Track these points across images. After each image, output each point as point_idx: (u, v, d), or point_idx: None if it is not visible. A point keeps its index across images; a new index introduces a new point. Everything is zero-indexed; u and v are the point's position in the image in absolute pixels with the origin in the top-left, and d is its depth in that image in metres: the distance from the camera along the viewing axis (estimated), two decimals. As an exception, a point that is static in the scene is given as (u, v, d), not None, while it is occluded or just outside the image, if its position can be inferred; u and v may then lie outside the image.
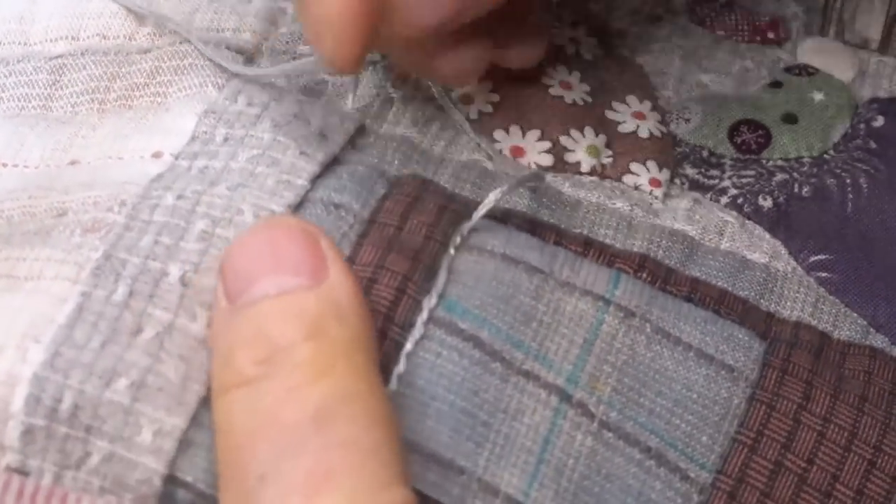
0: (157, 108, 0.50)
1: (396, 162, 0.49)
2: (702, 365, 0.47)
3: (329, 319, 0.39)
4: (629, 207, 0.52)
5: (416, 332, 0.44)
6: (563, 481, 0.45)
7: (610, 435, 0.46)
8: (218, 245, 0.43)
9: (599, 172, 0.53)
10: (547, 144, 0.53)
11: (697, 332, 0.47)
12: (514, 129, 0.53)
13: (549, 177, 0.52)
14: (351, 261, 0.45)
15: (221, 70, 0.50)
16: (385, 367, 0.43)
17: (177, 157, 0.46)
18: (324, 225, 0.45)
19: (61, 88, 0.51)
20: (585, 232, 0.49)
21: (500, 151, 0.52)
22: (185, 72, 0.50)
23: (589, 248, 0.48)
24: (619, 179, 0.53)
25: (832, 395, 0.46)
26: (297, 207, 0.45)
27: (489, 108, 0.54)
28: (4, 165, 0.48)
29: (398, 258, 0.45)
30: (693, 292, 0.48)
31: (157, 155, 0.46)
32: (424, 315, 0.44)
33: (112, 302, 0.41)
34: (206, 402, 0.41)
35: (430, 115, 0.53)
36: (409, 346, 0.44)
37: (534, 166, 0.52)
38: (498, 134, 0.53)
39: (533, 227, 0.48)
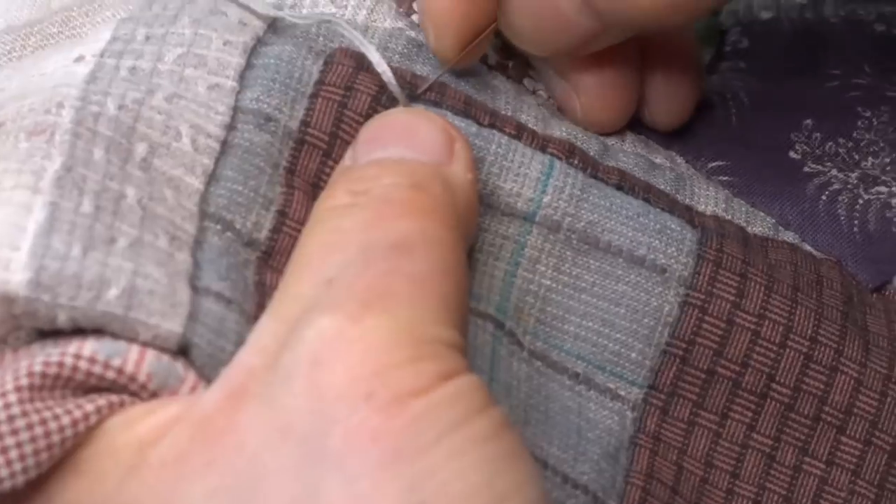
0: (73, 39, 0.49)
1: (321, 38, 0.47)
2: (631, 271, 0.46)
3: (436, 183, 0.41)
4: (538, 105, 0.51)
5: None
6: (513, 399, 0.44)
7: (539, 363, 0.45)
8: (159, 180, 0.42)
9: (503, 71, 0.52)
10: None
11: (629, 230, 0.46)
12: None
13: None
14: (283, 213, 0.44)
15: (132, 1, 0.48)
16: None
17: (101, 56, 0.44)
18: (256, 150, 0.44)
19: None
20: (510, 114, 0.48)
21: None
22: (96, 12, 0.49)
23: (522, 131, 0.47)
24: (520, 81, 0.53)
25: (766, 287, 0.46)
26: (231, 127, 0.44)
27: None
28: None
29: None
30: (623, 181, 0.47)
31: (78, 59, 0.45)
32: None
33: (81, 213, 0.40)
34: (195, 295, 0.41)
35: None
36: None
37: None
38: (417, 5, 0.51)
39: (467, 107, 0.47)
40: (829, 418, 0.46)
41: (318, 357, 0.36)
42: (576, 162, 0.47)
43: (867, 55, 0.60)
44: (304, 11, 0.50)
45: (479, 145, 0.46)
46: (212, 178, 0.43)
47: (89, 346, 0.39)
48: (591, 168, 0.47)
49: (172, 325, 0.40)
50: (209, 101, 0.44)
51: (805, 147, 0.54)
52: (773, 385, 0.46)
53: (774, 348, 0.46)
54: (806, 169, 0.53)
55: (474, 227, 0.43)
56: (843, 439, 0.47)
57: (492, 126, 0.46)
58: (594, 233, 0.46)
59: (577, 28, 0.46)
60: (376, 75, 0.45)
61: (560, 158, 0.46)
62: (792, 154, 0.54)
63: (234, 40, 0.45)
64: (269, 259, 0.43)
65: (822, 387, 0.46)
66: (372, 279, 0.38)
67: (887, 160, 0.54)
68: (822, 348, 0.46)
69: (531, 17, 0.47)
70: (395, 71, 0.46)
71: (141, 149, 0.42)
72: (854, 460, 0.47)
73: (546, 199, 0.46)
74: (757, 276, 0.46)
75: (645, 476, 0.45)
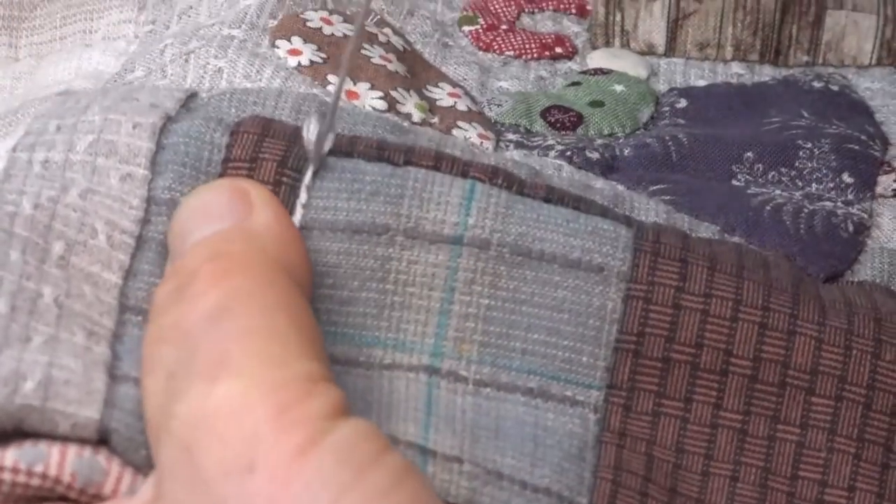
0: None
1: (234, 110, 0.47)
2: (569, 275, 0.44)
3: (234, 242, 0.40)
4: (465, 144, 0.50)
5: None
6: (457, 425, 0.43)
7: (488, 390, 0.44)
8: (76, 276, 0.42)
9: (430, 125, 0.52)
10: (379, 93, 0.53)
11: (560, 236, 0.45)
12: (346, 78, 0.53)
13: (387, 116, 0.51)
14: None
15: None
16: None
17: (14, 150, 0.45)
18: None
19: None
20: (434, 147, 0.47)
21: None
22: (19, 122, 0.51)
23: (441, 160, 0.46)
24: (448, 132, 0.53)
25: (709, 269, 0.45)
26: (145, 221, 0.44)
27: (319, 60, 0.53)
28: None
29: None
30: (550, 194, 0.46)
31: None
32: None
33: None
34: (112, 383, 0.41)
35: (261, 65, 0.52)
36: None
37: (369, 108, 0.51)
38: (331, 78, 0.52)
39: (380, 151, 0.45)
40: (795, 382, 0.44)
41: (188, 443, 0.36)
42: (499, 181, 0.45)
43: (805, 105, 0.60)
44: (223, 85, 0.51)
45: (396, 184, 0.45)
46: (129, 273, 0.43)
47: (10, 456, 0.39)
48: (517, 185, 0.46)
49: (90, 412, 0.40)
50: (122, 195, 0.44)
51: (748, 176, 0.54)
52: (732, 360, 0.44)
53: (727, 324, 0.44)
54: (749, 191, 0.53)
55: (301, 257, 0.42)
56: (814, 400, 0.45)
57: (407, 163, 0.45)
58: (525, 244, 0.45)
59: None
60: (281, 141, 0.45)
61: (482, 181, 0.45)
62: (734, 182, 0.54)
63: (143, 122, 0.45)
64: None
65: (782, 352, 0.44)
66: (204, 355, 0.37)
67: (831, 185, 0.54)
68: (776, 315, 0.44)
69: None
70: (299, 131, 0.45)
71: (58, 247, 0.43)
72: (828, 419, 0.45)
73: (471, 221, 0.44)
74: (698, 259, 0.45)
75: (614, 469, 0.43)
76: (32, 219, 0.42)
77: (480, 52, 0.63)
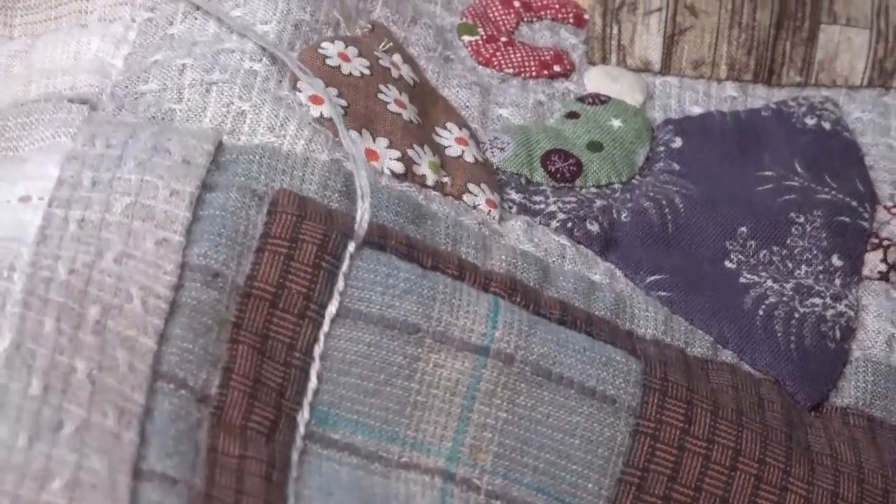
0: (12, 160, 0.48)
1: (263, 176, 0.47)
2: (584, 402, 0.47)
3: None
4: (477, 226, 0.52)
5: (296, 449, 0.45)
6: None
7: (497, 502, 0.46)
8: (112, 343, 0.42)
9: (442, 189, 0.53)
10: (397, 153, 0.53)
11: (578, 362, 0.47)
12: (365, 133, 0.53)
13: (404, 185, 0.52)
14: (229, 369, 0.44)
15: (70, 121, 0.49)
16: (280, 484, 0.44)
17: (49, 204, 0.45)
18: (204, 308, 0.44)
19: None
20: (450, 248, 0.49)
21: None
22: (33, 126, 0.50)
23: (464, 271, 0.48)
24: (459, 198, 0.54)
25: (712, 413, 0.47)
26: (178, 286, 0.44)
27: (341, 110, 0.53)
28: None
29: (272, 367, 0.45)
30: (564, 314, 0.48)
31: (24, 199, 0.45)
32: (301, 430, 0.45)
33: (29, 395, 0.40)
34: (136, 483, 0.41)
35: (285, 117, 0.51)
36: (294, 455, 0.45)
37: (388, 172, 0.52)
38: (352, 134, 0.52)
39: (410, 249, 0.47)
40: None
41: None
42: (518, 299, 0.48)
43: (798, 152, 0.61)
44: (243, 140, 0.50)
45: (428, 286, 0.46)
46: (163, 338, 0.43)
47: None
48: (534, 304, 0.48)
49: None
50: (157, 260, 0.44)
51: (740, 256, 0.56)
52: None
53: (725, 472, 0.47)
54: (742, 279, 0.55)
55: None
56: None
57: (434, 268, 0.47)
58: (546, 365, 0.47)
59: None
60: (319, 224, 0.46)
61: (503, 297, 0.48)
62: (728, 263, 0.55)
63: (180, 189, 0.45)
64: (222, 414, 0.44)
65: None
66: None
67: (819, 268, 0.56)
68: (771, 469, 0.47)
69: None
70: (335, 214, 0.47)
71: (94, 312, 0.43)
72: None
73: (498, 334, 0.46)
74: (702, 402, 0.47)
75: None
76: (68, 284, 0.43)
77: (480, 68, 0.63)
